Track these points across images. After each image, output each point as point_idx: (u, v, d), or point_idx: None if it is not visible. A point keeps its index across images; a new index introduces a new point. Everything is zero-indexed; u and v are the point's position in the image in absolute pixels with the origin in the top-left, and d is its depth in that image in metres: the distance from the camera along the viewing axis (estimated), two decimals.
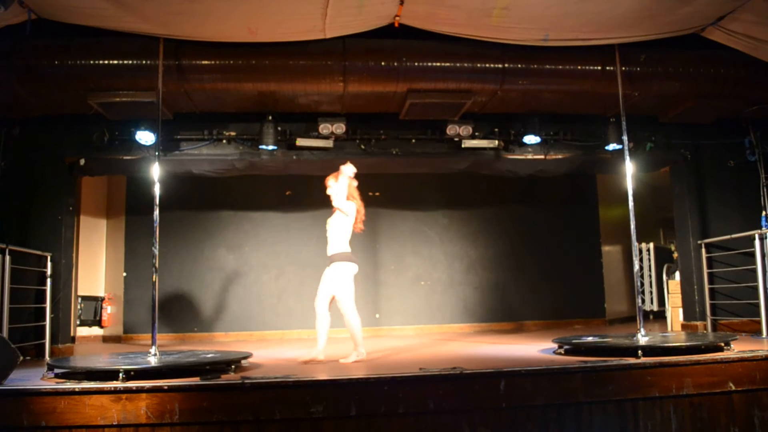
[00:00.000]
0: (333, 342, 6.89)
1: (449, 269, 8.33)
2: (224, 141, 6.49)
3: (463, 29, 5.19)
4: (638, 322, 4.87)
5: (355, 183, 5.09)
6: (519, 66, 5.67)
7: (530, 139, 6.59)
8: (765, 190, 6.62)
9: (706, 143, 6.92)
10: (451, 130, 6.44)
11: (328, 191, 5.00)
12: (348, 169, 4.95)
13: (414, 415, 3.47)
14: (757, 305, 5.77)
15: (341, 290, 4.79)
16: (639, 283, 5.12)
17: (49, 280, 5.86)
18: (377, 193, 8.35)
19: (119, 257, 7.88)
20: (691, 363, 3.80)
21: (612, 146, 6.60)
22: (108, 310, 7.72)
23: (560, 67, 5.71)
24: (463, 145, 6.60)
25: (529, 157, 6.86)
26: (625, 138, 5.28)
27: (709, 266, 6.62)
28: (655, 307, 8.75)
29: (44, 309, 5.78)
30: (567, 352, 4.64)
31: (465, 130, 6.47)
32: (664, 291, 7.84)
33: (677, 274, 7.25)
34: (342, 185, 4.93)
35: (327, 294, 4.88)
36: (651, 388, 3.69)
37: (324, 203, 8.15)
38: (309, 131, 6.47)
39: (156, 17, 4.77)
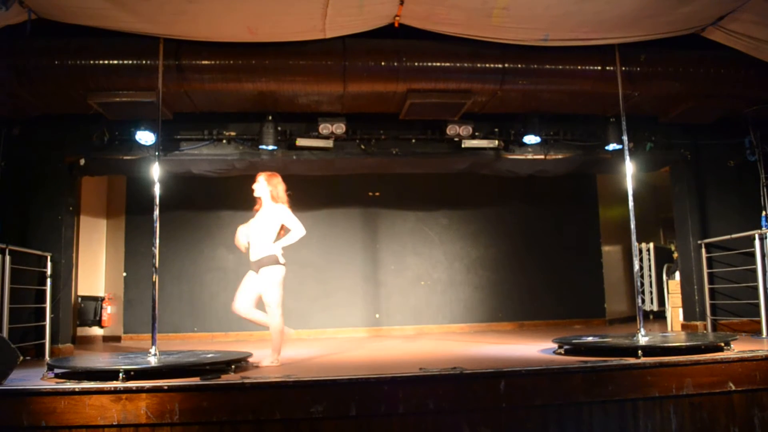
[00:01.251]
0: (330, 342, 6.91)
1: (449, 269, 8.33)
2: (224, 141, 6.49)
3: (463, 29, 5.19)
4: (638, 322, 4.87)
5: (283, 186, 4.92)
6: (519, 66, 5.67)
7: (530, 139, 6.59)
8: (765, 190, 6.62)
9: (706, 143, 6.92)
10: (451, 130, 6.44)
11: (255, 185, 4.85)
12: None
13: (414, 415, 3.47)
14: (757, 305, 5.77)
15: (272, 295, 4.68)
16: (639, 283, 5.12)
17: (49, 280, 5.86)
18: (377, 193, 8.36)
19: (119, 257, 7.88)
20: (691, 363, 3.80)
21: (612, 146, 6.60)
22: (108, 310, 7.71)
23: (560, 67, 5.71)
24: (463, 145, 6.60)
25: (529, 157, 6.86)
26: (625, 138, 5.28)
27: (709, 266, 6.62)
28: (655, 307, 8.75)
29: (44, 309, 5.78)
30: (567, 352, 4.64)
31: (465, 130, 6.47)
32: (664, 291, 7.84)
33: (677, 274, 7.25)
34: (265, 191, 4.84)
35: (253, 297, 4.75)
36: (651, 388, 3.69)
37: (324, 203, 8.22)
38: (309, 131, 6.47)
39: (156, 17, 4.77)
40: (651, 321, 8.87)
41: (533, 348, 5.24)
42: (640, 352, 4.04)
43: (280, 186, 4.85)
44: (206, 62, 5.43)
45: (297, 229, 4.77)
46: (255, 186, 4.85)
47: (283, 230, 4.83)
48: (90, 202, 7.87)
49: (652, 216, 10.33)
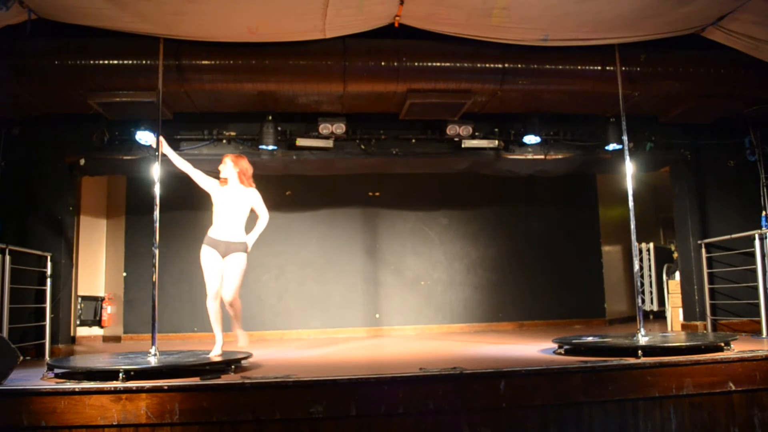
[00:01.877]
0: (330, 342, 6.91)
1: (449, 269, 8.33)
2: (224, 141, 6.50)
3: (463, 29, 5.19)
4: (638, 322, 4.87)
5: (251, 168, 4.84)
6: (519, 66, 5.67)
7: (530, 139, 6.60)
8: (765, 190, 6.62)
9: (706, 143, 6.92)
10: (451, 130, 6.45)
11: (221, 167, 4.78)
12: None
13: (414, 415, 3.47)
14: (757, 305, 5.77)
15: (240, 279, 4.70)
16: (639, 283, 5.12)
17: (49, 280, 5.86)
18: (377, 193, 8.35)
19: (119, 257, 7.88)
20: (691, 363, 3.79)
21: (612, 146, 6.60)
22: (108, 310, 7.71)
23: (560, 67, 5.71)
24: (463, 145, 6.60)
25: (529, 157, 6.86)
26: (625, 138, 5.27)
27: (709, 266, 6.62)
28: (655, 307, 8.75)
29: (44, 309, 5.78)
30: (567, 352, 4.63)
31: (465, 130, 6.47)
32: (664, 291, 7.84)
33: (677, 274, 7.25)
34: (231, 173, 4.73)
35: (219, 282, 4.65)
36: (651, 388, 3.69)
37: (324, 203, 8.22)
38: (309, 131, 6.47)
39: (156, 17, 4.77)
40: (651, 321, 8.87)
41: (533, 348, 5.24)
42: (640, 352, 4.04)
43: (249, 169, 4.81)
44: (206, 62, 5.43)
45: (264, 215, 4.83)
46: (221, 167, 4.80)
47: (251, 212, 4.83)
48: (90, 202, 7.87)
49: (652, 216, 10.32)
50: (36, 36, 4.85)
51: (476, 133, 6.58)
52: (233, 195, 4.75)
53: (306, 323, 7.90)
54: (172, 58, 5.31)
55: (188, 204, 7.91)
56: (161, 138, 4.71)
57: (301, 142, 6.43)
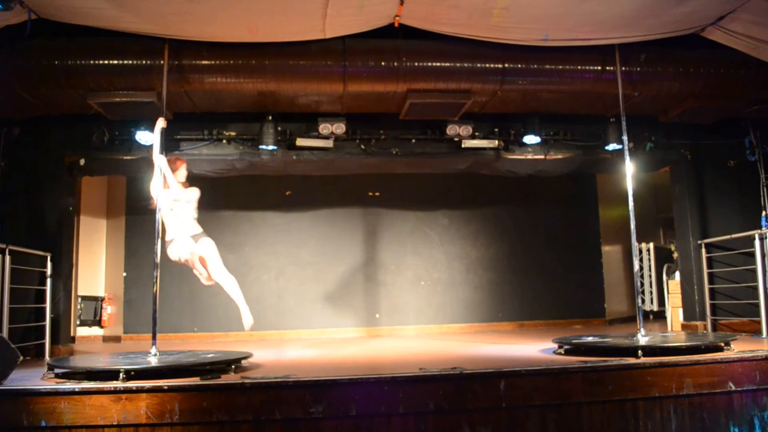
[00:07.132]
0: (330, 342, 6.91)
1: (449, 269, 8.33)
2: (224, 141, 6.50)
3: (463, 29, 5.20)
4: (638, 322, 4.88)
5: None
6: (519, 66, 5.68)
7: (530, 139, 6.60)
8: (765, 190, 6.61)
9: (706, 143, 6.92)
10: (451, 130, 6.45)
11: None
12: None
13: (414, 415, 3.47)
14: (757, 305, 5.76)
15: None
16: (639, 283, 5.12)
17: (49, 280, 5.85)
18: (377, 193, 8.36)
19: (119, 257, 7.88)
20: (691, 363, 3.80)
21: (612, 146, 6.60)
22: (108, 310, 7.71)
23: (560, 67, 5.71)
24: (463, 145, 6.60)
25: (529, 157, 6.86)
26: (625, 138, 5.28)
27: (709, 266, 6.61)
28: (655, 307, 8.73)
29: (44, 309, 5.78)
30: (567, 352, 4.64)
31: (465, 130, 6.48)
32: (664, 291, 7.84)
33: (677, 274, 7.25)
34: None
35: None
36: (651, 388, 3.69)
37: (324, 203, 8.22)
38: (309, 131, 6.47)
39: (156, 17, 4.77)
40: (651, 321, 8.86)
41: (533, 348, 5.24)
42: (640, 352, 4.04)
43: None
44: (206, 62, 5.43)
45: None
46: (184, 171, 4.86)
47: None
48: (90, 202, 7.88)
49: (652, 216, 10.32)
50: (36, 36, 4.85)
51: (476, 133, 6.58)
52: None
53: (306, 323, 7.91)
54: (172, 58, 5.30)
55: None
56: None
57: (301, 142, 6.43)
